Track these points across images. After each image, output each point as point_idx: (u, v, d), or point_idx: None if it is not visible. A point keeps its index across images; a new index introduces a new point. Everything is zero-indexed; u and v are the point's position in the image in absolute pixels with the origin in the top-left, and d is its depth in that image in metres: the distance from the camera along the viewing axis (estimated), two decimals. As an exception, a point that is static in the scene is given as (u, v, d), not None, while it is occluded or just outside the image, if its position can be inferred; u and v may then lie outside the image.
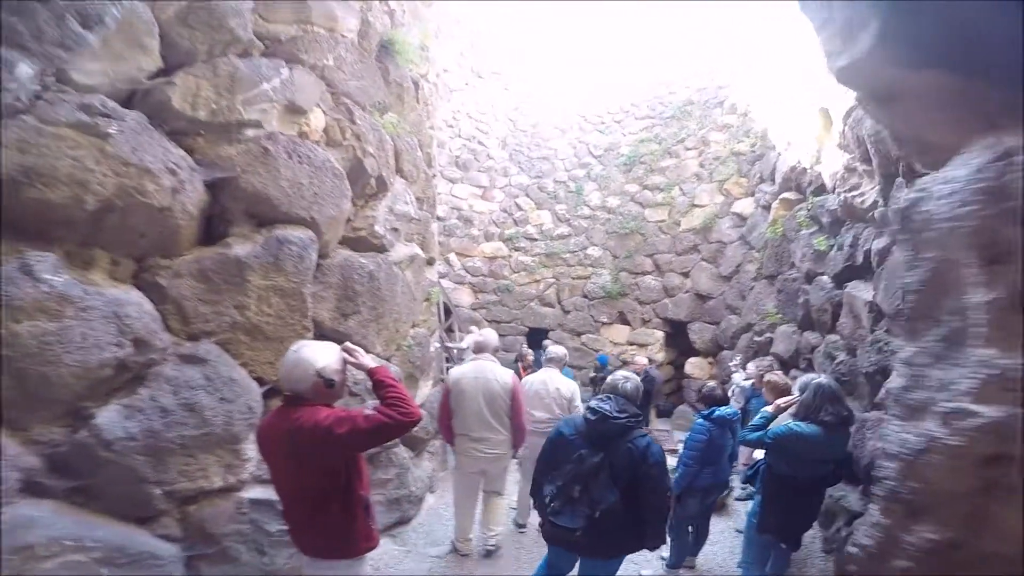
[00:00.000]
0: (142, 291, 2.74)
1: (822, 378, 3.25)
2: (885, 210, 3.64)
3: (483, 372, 3.85)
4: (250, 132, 3.18)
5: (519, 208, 12.01)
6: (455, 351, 7.94)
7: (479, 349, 4.04)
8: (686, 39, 11.71)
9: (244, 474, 3.05)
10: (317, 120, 3.62)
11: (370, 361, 2.19)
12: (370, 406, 2.20)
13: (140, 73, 2.74)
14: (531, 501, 2.90)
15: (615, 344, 10.72)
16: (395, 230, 4.52)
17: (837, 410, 3.06)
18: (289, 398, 2.06)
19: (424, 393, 5.13)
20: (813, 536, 4.32)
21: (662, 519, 2.50)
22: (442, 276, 10.89)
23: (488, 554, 3.94)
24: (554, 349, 4.59)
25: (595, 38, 13.41)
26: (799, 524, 3.30)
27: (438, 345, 6.06)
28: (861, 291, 4.61)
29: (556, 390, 4.26)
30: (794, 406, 3.29)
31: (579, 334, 10.97)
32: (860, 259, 4.68)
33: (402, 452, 4.45)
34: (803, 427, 3.03)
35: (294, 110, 3.42)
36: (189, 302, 2.89)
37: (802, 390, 3.25)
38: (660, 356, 10.07)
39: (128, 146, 2.52)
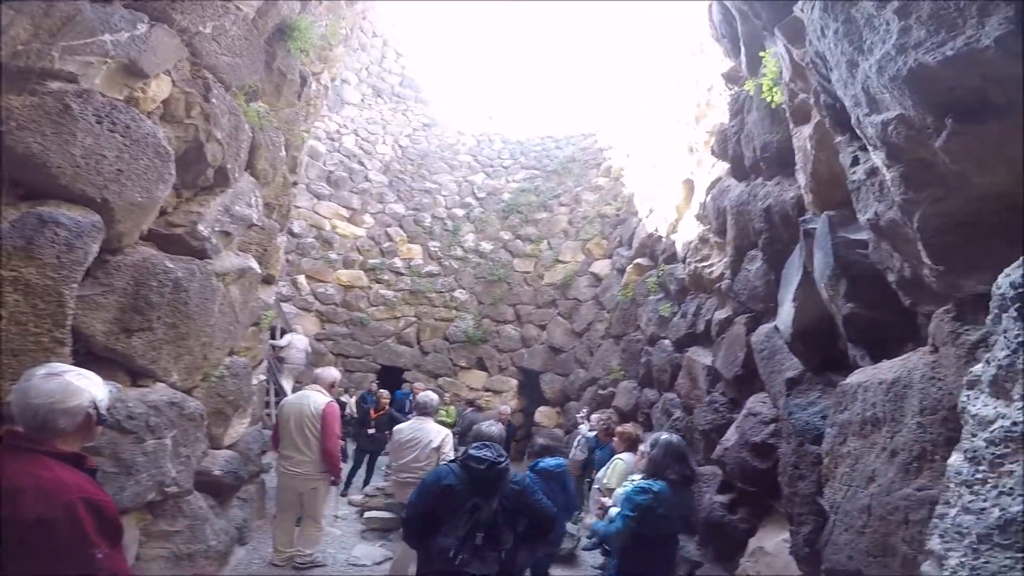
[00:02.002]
0: None
1: (672, 437, 3.30)
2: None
3: (303, 399, 4.23)
4: (54, 84, 2.53)
5: (389, 238, 11.41)
6: (275, 348, 7.50)
7: (313, 380, 4.43)
8: (583, 97, 12.66)
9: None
10: (159, 89, 3.10)
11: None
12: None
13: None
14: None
15: (471, 389, 10.47)
16: (226, 234, 3.82)
17: (681, 469, 3.12)
18: (17, 436, 1.46)
19: (239, 431, 4.34)
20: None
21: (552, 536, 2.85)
22: (284, 299, 9.73)
23: (299, 568, 4.17)
24: (424, 396, 4.50)
25: (503, 83, 13.93)
26: None
27: (263, 378, 5.14)
28: (700, 356, 4.95)
29: (428, 441, 4.14)
30: (644, 462, 3.30)
31: (436, 376, 10.51)
32: (701, 327, 5.05)
33: (197, 501, 3.65)
34: (653, 484, 3.05)
35: (133, 72, 2.86)
36: None
37: (653, 446, 3.27)
38: (513, 403, 10.02)
39: None
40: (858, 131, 1.51)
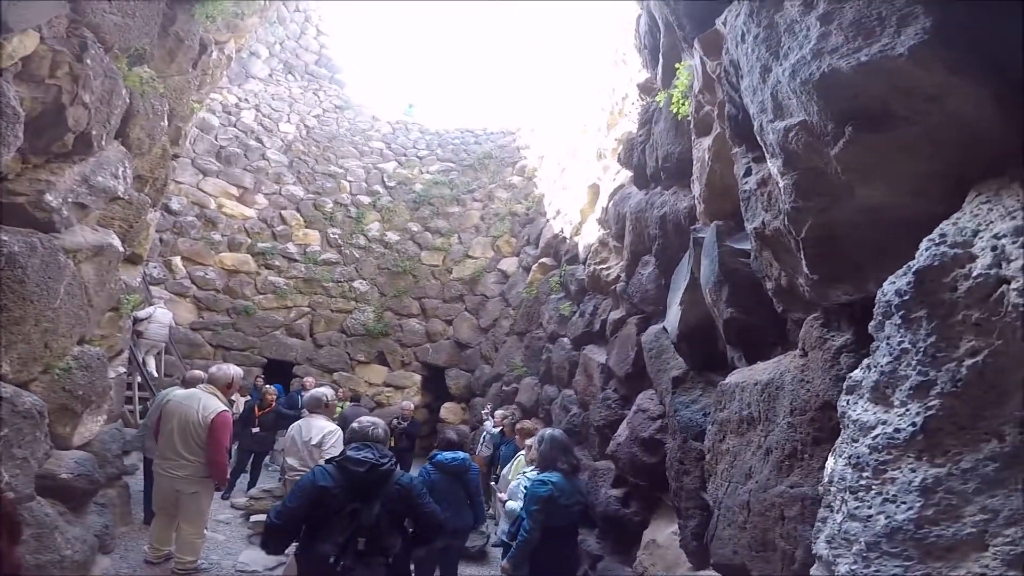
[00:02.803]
0: None
1: (555, 431, 3.50)
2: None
3: (190, 400, 3.92)
4: None
5: (283, 221, 10.59)
6: (135, 321, 6.63)
7: (209, 380, 4.10)
8: (508, 95, 12.82)
9: None
10: (23, 45, 2.79)
11: None
12: None
13: None
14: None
15: (371, 384, 10.07)
16: (81, 206, 3.41)
17: (569, 459, 3.30)
18: None
19: (92, 430, 3.84)
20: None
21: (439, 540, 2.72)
22: (155, 282, 8.69)
23: (179, 573, 3.92)
24: (315, 392, 4.28)
25: (427, 73, 13.84)
26: (556, 573, 3.30)
27: (123, 370, 4.54)
28: (596, 354, 5.16)
29: (309, 439, 3.89)
30: (535, 457, 3.43)
31: (331, 371, 9.94)
32: (597, 326, 5.27)
33: (41, 507, 3.19)
34: (550, 476, 3.18)
35: (-10, 26, 2.51)
36: None
37: (540, 442, 3.42)
38: (417, 399, 9.81)
39: None
40: (759, 138, 1.58)
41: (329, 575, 2.33)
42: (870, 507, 0.99)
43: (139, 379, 6.80)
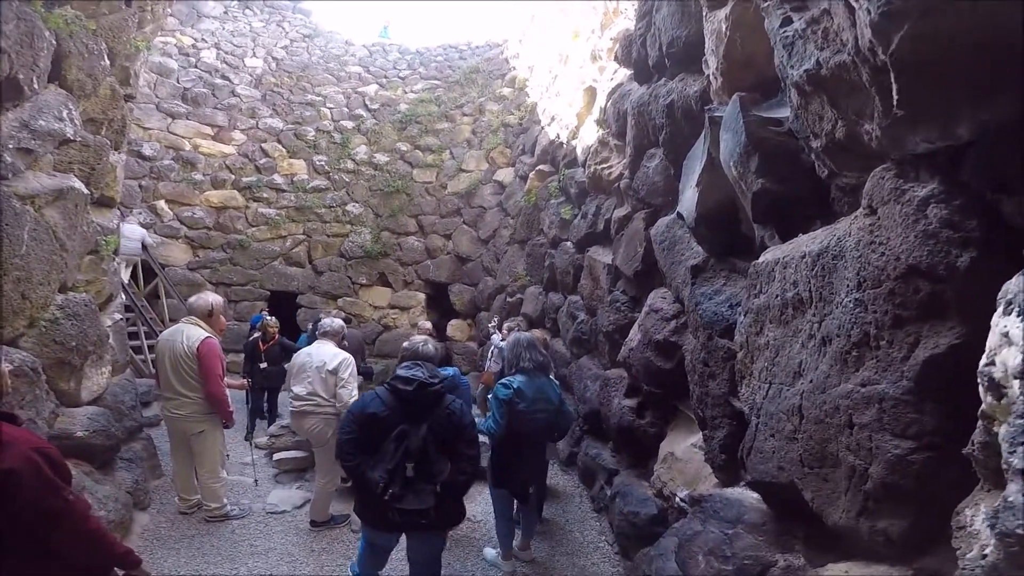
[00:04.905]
0: None
1: (521, 334, 3.56)
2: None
3: (174, 335, 3.80)
4: None
5: (265, 154, 10.20)
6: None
7: (189, 311, 3.96)
8: (487, 7, 12.06)
9: None
10: None
11: None
12: None
13: None
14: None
15: (375, 308, 10.09)
16: (26, 151, 3.20)
17: (533, 355, 3.27)
18: None
19: (99, 383, 3.74)
20: (581, 495, 4.53)
21: (475, 474, 2.61)
22: (146, 227, 8.47)
23: (210, 521, 3.90)
24: (329, 321, 4.18)
25: None
26: (521, 476, 3.32)
27: (119, 317, 4.42)
28: (601, 255, 4.96)
29: (323, 364, 3.81)
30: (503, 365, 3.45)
31: (335, 297, 9.92)
32: (601, 226, 5.04)
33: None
34: (512, 380, 3.19)
35: None
36: None
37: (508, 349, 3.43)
38: (423, 319, 9.84)
39: None
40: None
41: (378, 504, 2.30)
42: None
43: (144, 327, 6.75)
